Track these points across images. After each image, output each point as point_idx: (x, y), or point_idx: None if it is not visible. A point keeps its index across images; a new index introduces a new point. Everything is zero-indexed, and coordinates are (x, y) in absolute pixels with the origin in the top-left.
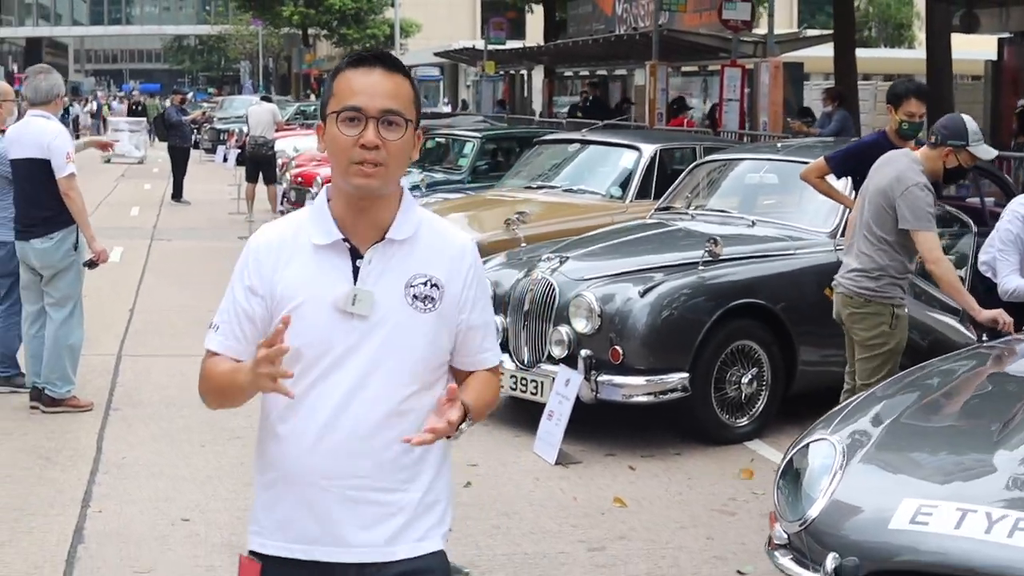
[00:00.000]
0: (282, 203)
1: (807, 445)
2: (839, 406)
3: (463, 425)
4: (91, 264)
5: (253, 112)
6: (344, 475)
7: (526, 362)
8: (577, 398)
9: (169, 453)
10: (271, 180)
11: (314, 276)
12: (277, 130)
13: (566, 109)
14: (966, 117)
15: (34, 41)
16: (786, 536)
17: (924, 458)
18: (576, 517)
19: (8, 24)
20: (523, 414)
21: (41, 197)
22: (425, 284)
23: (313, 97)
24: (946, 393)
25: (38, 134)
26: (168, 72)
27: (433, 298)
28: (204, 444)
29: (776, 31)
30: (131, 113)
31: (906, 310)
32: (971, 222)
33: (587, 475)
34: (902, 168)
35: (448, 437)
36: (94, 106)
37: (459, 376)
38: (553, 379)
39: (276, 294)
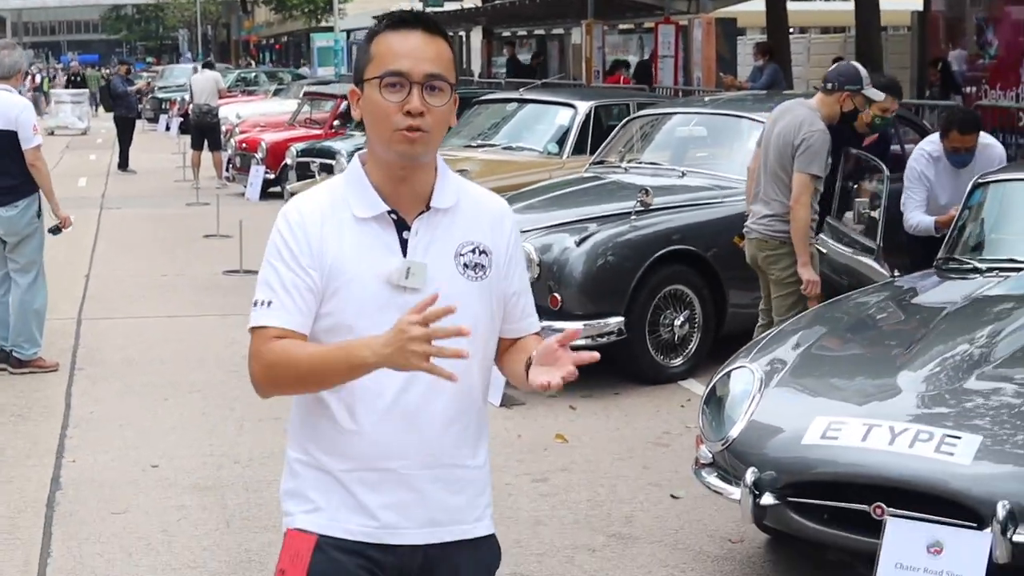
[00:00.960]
0: (227, 169)
1: (728, 373)
2: (760, 338)
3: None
4: (56, 230)
5: (196, 80)
6: (407, 455)
7: None
8: None
9: (134, 407)
10: (216, 147)
11: (361, 250)
12: (220, 97)
13: (504, 69)
14: (857, 64)
15: None
16: (710, 456)
17: (834, 381)
18: (521, 453)
19: None
20: None
21: (7, 166)
22: (474, 252)
23: (253, 64)
24: (856, 322)
25: (5, 107)
26: (106, 42)
27: (483, 265)
28: (167, 398)
29: None
30: (70, 84)
31: (816, 248)
32: (883, 166)
33: (531, 415)
34: (802, 116)
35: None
36: (37, 79)
37: (503, 345)
38: None
39: (327, 266)
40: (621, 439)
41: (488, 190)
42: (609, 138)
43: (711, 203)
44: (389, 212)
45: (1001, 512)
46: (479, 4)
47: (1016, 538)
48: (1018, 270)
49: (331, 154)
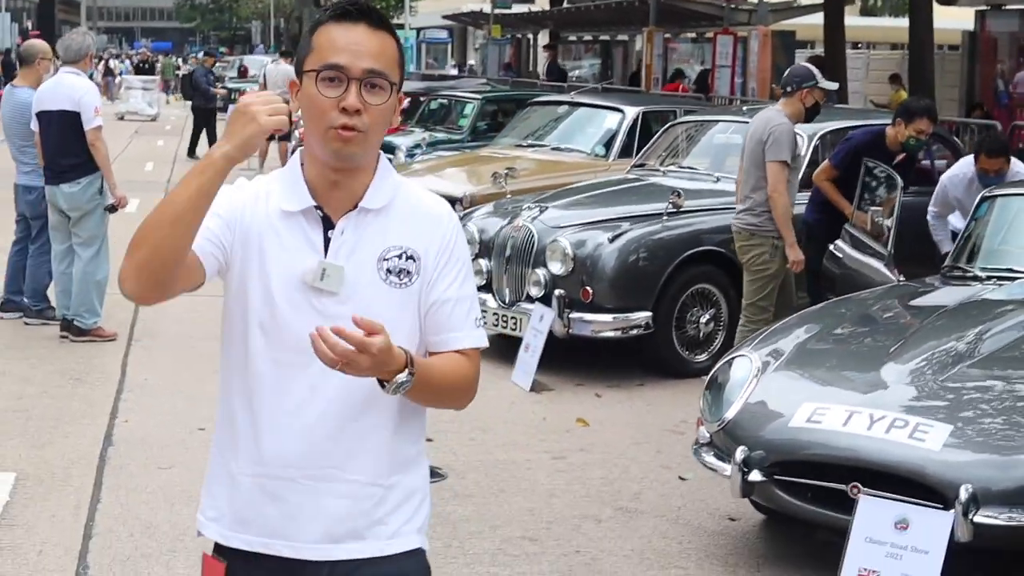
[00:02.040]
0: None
1: (730, 361)
2: (764, 330)
3: (400, 376)
4: (112, 208)
5: (271, 71)
6: (312, 465)
7: (507, 301)
8: (551, 333)
9: (185, 376)
10: (284, 137)
11: (281, 246)
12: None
13: (574, 73)
14: (806, 63)
15: None
16: (708, 436)
17: (824, 371)
18: (543, 433)
19: None
20: (504, 348)
21: (71, 146)
22: (400, 257)
23: None
24: (856, 319)
25: (70, 89)
26: (179, 30)
27: (409, 271)
28: (216, 370)
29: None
30: (138, 71)
31: (781, 242)
32: (898, 178)
33: (557, 400)
34: (768, 116)
35: (382, 385)
36: (111, 64)
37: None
38: (530, 316)
39: (237, 242)
40: (640, 425)
41: (432, 193)
42: (651, 142)
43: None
44: (315, 207)
45: (964, 495)
46: (547, 8)
47: (976, 519)
48: (1017, 279)
49: (391, 149)
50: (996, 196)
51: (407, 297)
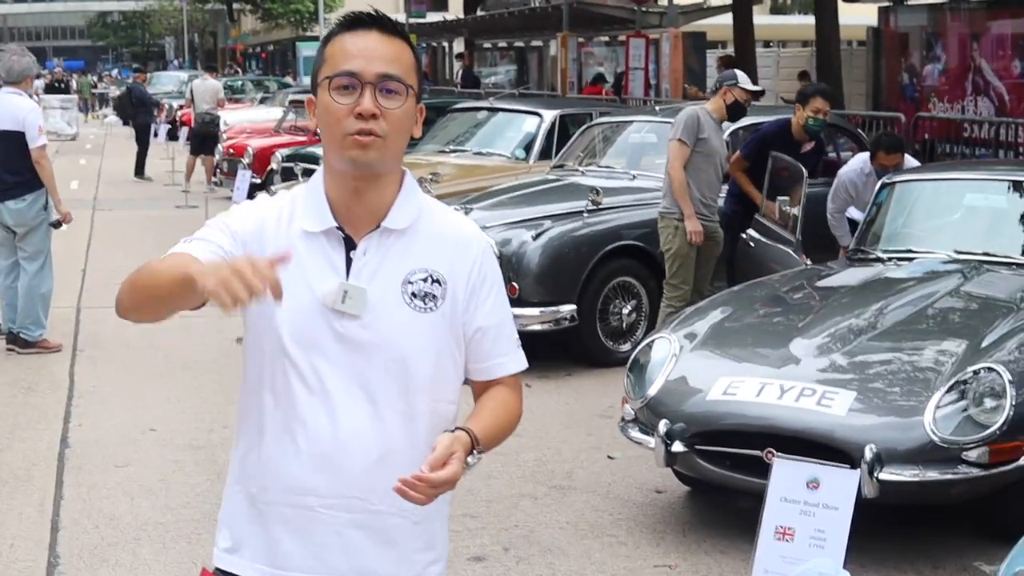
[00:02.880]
0: (215, 175)
1: (651, 343)
2: (681, 313)
3: (470, 459)
4: (56, 224)
5: (198, 87)
6: (336, 495)
7: None
8: None
9: (132, 382)
10: (210, 152)
11: (303, 266)
12: (219, 106)
13: (491, 80)
14: (734, 69)
15: None
16: (633, 413)
17: (738, 348)
18: None
19: None
20: None
21: (15, 164)
22: (425, 280)
23: (240, 72)
24: (766, 300)
25: (14, 109)
26: (91, 48)
27: (435, 295)
28: (162, 374)
29: (680, 2)
30: (50, 90)
31: (682, 223)
32: (803, 169)
33: None
34: (683, 109)
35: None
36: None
37: (476, 388)
38: None
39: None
40: (569, 412)
41: (462, 215)
42: (569, 143)
43: (658, 203)
44: (337, 228)
45: (868, 455)
46: (461, 16)
47: (881, 476)
48: (916, 259)
49: (315, 160)
50: (895, 183)
51: (435, 321)
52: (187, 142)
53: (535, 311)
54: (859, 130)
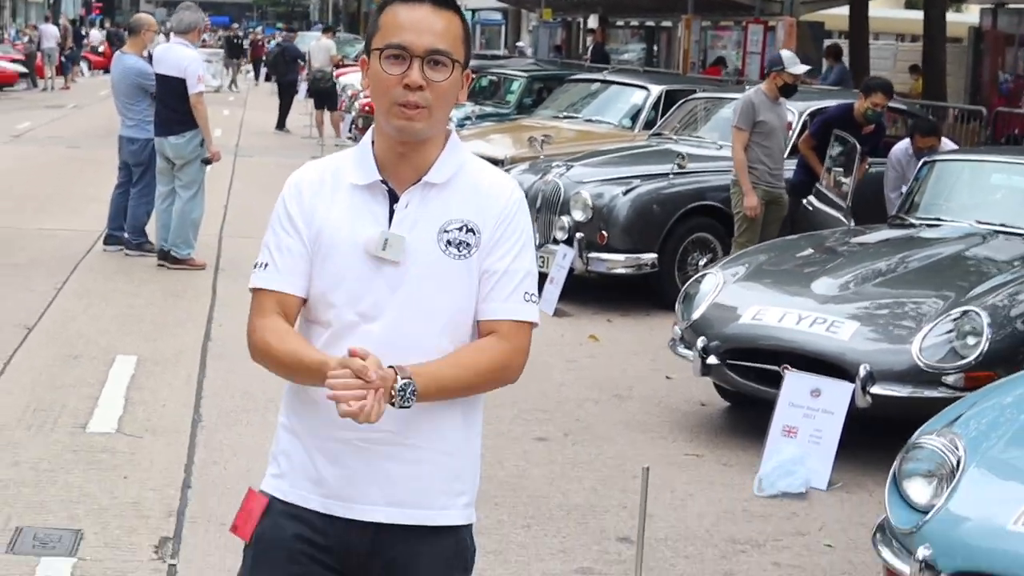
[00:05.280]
0: (351, 130)
1: (701, 277)
2: (734, 255)
3: (396, 384)
4: (207, 161)
5: (314, 48)
6: (376, 429)
7: (538, 243)
8: (572, 270)
9: None
10: (332, 108)
11: (350, 218)
12: (332, 64)
13: (624, 56)
14: (782, 51)
15: None
16: (680, 333)
17: (771, 283)
18: (560, 345)
19: None
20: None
21: (176, 105)
22: (460, 229)
23: None
24: (805, 248)
25: (179, 58)
26: (237, 5)
27: (468, 244)
28: None
29: None
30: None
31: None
32: (857, 144)
33: (575, 323)
34: (744, 93)
35: (391, 403)
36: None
37: (481, 330)
38: (555, 255)
39: (314, 232)
40: (641, 343)
41: (497, 170)
42: (667, 115)
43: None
44: (382, 181)
45: (863, 372)
46: None
47: (872, 391)
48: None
49: None
50: (935, 162)
51: (467, 268)
52: (307, 97)
53: (621, 257)
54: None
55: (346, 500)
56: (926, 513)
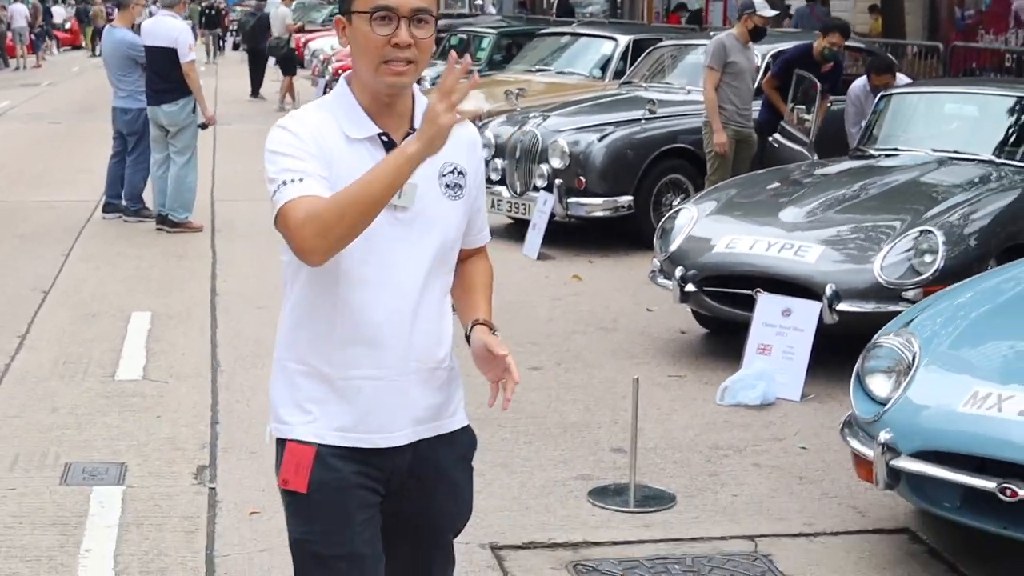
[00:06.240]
0: (324, 92)
1: (676, 212)
2: (705, 190)
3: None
4: (203, 126)
5: (273, 15)
6: (391, 364)
7: (518, 192)
8: (553, 215)
9: (263, 253)
10: (287, 72)
11: (355, 170)
12: (291, 31)
13: (587, 11)
14: None
15: None
16: (659, 264)
17: (741, 215)
18: (546, 285)
19: None
20: (516, 229)
21: (168, 74)
22: (453, 172)
23: None
24: (772, 181)
25: (169, 28)
26: None
27: (461, 185)
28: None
29: None
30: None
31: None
32: (817, 82)
33: (558, 265)
34: (715, 36)
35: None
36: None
37: (461, 255)
38: (536, 202)
39: (334, 175)
40: (622, 280)
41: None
42: (636, 63)
43: (705, 113)
44: (380, 134)
45: (829, 291)
46: None
47: (838, 307)
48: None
49: (416, 80)
50: (891, 95)
51: (460, 207)
52: (275, 65)
53: (599, 200)
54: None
55: (384, 431)
56: (886, 404)
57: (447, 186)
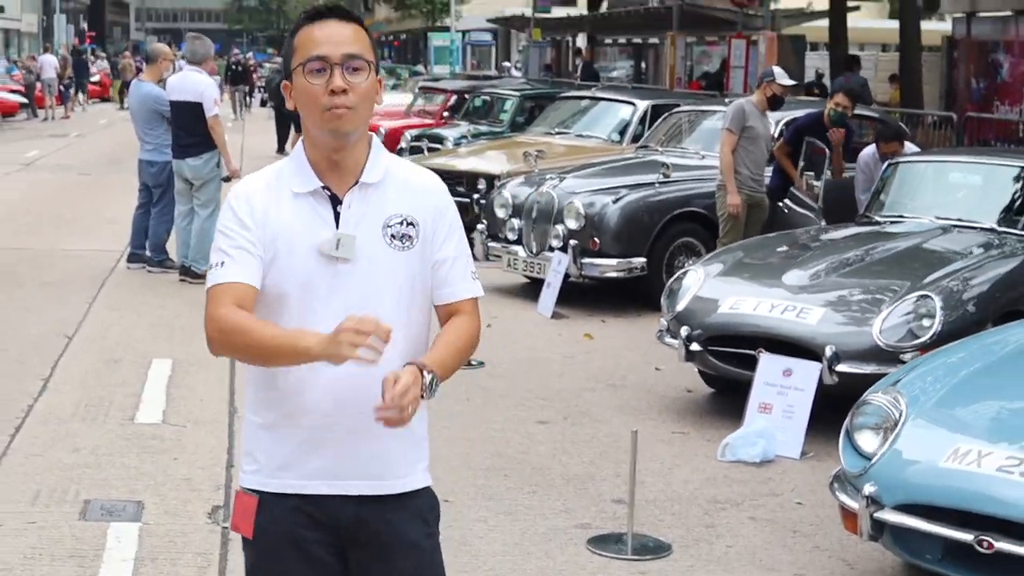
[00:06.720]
0: None
1: (684, 273)
2: (714, 252)
3: (425, 380)
4: (227, 179)
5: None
6: (341, 412)
7: (534, 251)
8: (567, 275)
9: None
10: (298, 130)
11: (297, 223)
12: None
13: (613, 73)
14: (772, 66)
15: (98, 0)
16: (666, 324)
17: (747, 276)
18: (559, 344)
19: None
20: (531, 288)
21: (194, 128)
22: (401, 223)
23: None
24: (779, 245)
25: (195, 83)
26: (227, 32)
27: (410, 236)
28: None
29: (785, 5)
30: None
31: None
32: (827, 149)
33: (571, 324)
34: (734, 102)
35: (422, 397)
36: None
37: (440, 315)
38: (551, 261)
39: (270, 234)
40: (632, 340)
41: (420, 167)
42: (652, 128)
43: (719, 177)
44: (323, 187)
45: (829, 352)
46: (585, 12)
47: (838, 368)
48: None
49: (440, 139)
50: (898, 163)
51: (410, 258)
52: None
53: (612, 261)
54: (900, 123)
55: (327, 478)
56: (872, 459)
57: (393, 236)
